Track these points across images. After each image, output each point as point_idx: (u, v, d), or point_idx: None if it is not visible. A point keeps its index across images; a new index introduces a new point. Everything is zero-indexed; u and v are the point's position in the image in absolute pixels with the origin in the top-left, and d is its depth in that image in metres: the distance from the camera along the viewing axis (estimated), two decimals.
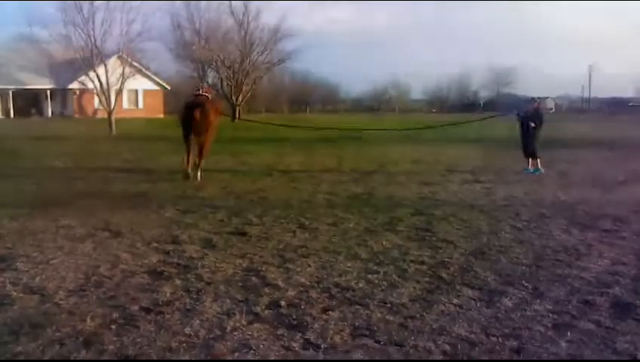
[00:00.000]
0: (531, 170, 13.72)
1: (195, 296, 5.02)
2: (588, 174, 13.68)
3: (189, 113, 12.23)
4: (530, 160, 13.99)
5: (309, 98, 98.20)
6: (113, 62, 31.36)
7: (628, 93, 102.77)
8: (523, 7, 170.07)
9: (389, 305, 4.82)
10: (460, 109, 75.98)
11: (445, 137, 25.52)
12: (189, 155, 12.30)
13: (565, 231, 7.57)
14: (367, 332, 4.26)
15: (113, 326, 4.36)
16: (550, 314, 4.67)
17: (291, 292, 5.12)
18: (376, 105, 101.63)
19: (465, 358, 3.89)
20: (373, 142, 22.78)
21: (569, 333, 4.29)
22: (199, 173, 12.16)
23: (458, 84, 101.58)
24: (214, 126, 12.75)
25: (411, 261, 6.15)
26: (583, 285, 5.40)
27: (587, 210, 9.04)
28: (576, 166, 15.50)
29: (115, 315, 4.58)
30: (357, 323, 4.43)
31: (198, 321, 4.46)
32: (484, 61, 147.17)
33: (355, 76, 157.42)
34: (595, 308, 4.83)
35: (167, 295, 5.05)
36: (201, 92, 13.03)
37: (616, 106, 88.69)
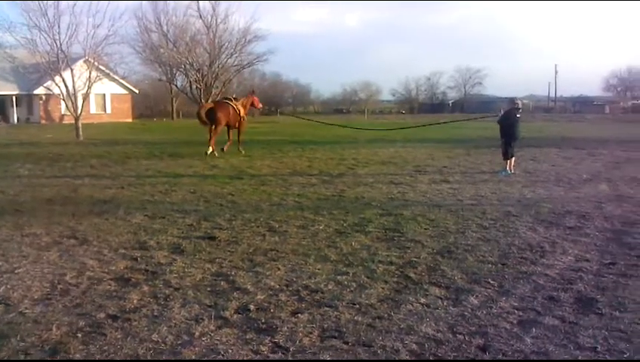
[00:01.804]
0: (510, 172, 13.69)
1: (162, 302, 4.99)
2: (553, 172, 13.95)
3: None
4: (507, 161, 13.96)
5: (279, 100, 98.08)
6: (80, 66, 30.78)
7: (593, 92, 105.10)
8: (490, 9, 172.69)
9: (357, 306, 4.86)
10: (430, 110, 76.68)
11: (415, 138, 25.74)
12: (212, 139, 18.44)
13: (531, 229, 7.73)
14: (336, 334, 4.30)
15: (79, 335, 4.31)
16: (516, 311, 4.77)
17: (260, 296, 5.12)
18: (346, 107, 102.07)
19: (431, 357, 3.94)
20: (344, 143, 22.83)
21: (534, 329, 4.39)
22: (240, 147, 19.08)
23: (427, 86, 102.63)
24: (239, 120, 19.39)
25: (380, 261, 6.21)
26: (547, 282, 5.53)
27: (552, 207, 9.24)
28: (542, 164, 15.81)
29: (81, 323, 4.52)
30: (326, 325, 4.45)
31: (165, 327, 4.43)
32: (452, 62, 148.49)
33: (325, 78, 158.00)
34: (559, 303, 4.95)
35: (135, 301, 5.01)
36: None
37: (582, 105, 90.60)
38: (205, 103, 19.61)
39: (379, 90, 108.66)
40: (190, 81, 55.64)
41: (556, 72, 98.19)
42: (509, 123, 14.01)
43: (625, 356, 3.96)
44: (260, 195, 10.72)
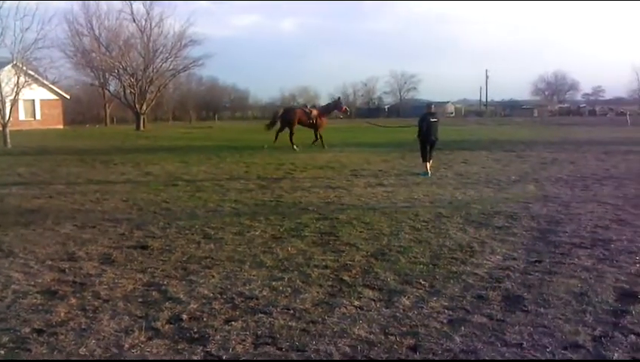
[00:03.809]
0: (428, 174, 14.16)
1: (91, 315, 4.85)
2: (483, 174, 14.41)
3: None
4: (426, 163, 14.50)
5: (217, 105, 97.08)
6: (7, 71, 29.51)
7: (523, 96, 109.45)
8: (425, 16, 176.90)
9: (292, 311, 4.87)
10: (367, 115, 77.70)
11: (352, 143, 26.02)
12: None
13: (461, 230, 7.96)
14: (270, 340, 4.29)
15: (2, 351, 4.14)
16: (446, 311, 4.89)
17: (193, 305, 5.05)
18: None
19: (363, 359, 4.00)
20: (283, 149, 22.83)
21: (463, 328, 4.51)
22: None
23: (363, 91, 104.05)
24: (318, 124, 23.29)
25: (315, 266, 6.25)
26: (476, 281, 5.70)
27: (482, 208, 9.54)
28: (473, 166, 16.30)
29: (4, 339, 4.34)
30: (260, 332, 4.44)
31: (94, 341, 4.31)
32: (387, 67, 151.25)
33: (264, 83, 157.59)
34: (487, 302, 5.11)
35: (62, 315, 4.84)
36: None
37: (512, 109, 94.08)
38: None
39: (317, 95, 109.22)
40: (124, 86, 54.43)
41: (487, 77, 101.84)
42: (428, 126, 14.57)
43: (548, 350, 4.12)
44: (196, 202, 10.58)
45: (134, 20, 53.44)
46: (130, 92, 53.51)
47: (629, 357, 3.99)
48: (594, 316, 4.71)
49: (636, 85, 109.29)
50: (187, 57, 55.95)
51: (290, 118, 22.92)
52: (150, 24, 53.42)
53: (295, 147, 22.01)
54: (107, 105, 67.33)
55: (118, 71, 53.16)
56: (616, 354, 4.00)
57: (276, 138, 22.98)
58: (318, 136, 23.08)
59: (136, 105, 53.16)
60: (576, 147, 22.82)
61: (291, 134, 22.68)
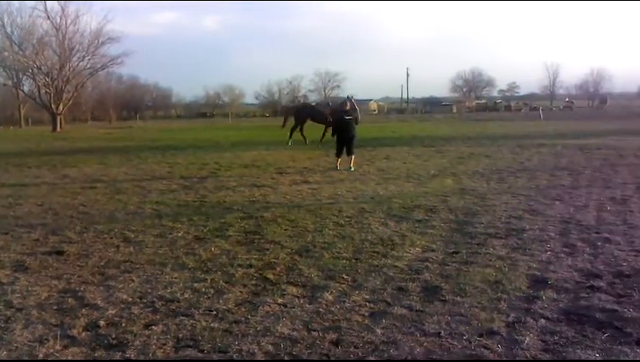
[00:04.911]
0: (341, 168, 14.76)
1: (2, 325, 4.62)
2: (404, 169, 14.76)
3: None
4: (347, 158, 14.93)
5: (138, 104, 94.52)
6: None
7: (442, 93, 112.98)
8: (347, 16, 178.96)
9: (214, 312, 4.81)
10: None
11: (278, 141, 25.98)
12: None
13: (383, 224, 8.13)
14: (191, 343, 4.22)
15: None
16: (367, 304, 4.98)
17: (111, 311, 4.90)
18: (210, 110, 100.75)
19: (286, 357, 4.01)
20: (207, 148, 22.53)
21: (384, 320, 4.61)
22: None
23: (289, 89, 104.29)
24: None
25: (239, 265, 6.20)
26: (397, 273, 5.83)
27: (402, 202, 9.78)
28: (394, 162, 16.67)
29: None
30: (181, 335, 4.36)
31: (5, 352, 4.11)
32: (312, 66, 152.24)
33: (187, 81, 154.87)
34: (407, 293, 5.24)
35: None
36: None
37: (432, 105, 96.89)
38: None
39: (242, 93, 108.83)
40: (39, 86, 52.12)
41: (408, 75, 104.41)
42: (339, 124, 15.03)
43: (464, 337, 4.28)
44: (115, 204, 10.25)
45: (49, 18, 51.25)
46: (46, 92, 51.29)
47: (539, 341, 4.19)
48: (508, 303, 4.92)
49: (547, 82, 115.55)
50: (105, 55, 54.24)
51: (302, 114, 24.39)
52: (66, 21, 51.41)
53: (290, 143, 23.43)
54: (21, 105, 64.19)
55: (32, 70, 50.81)
56: (527, 339, 4.20)
57: (304, 137, 24.07)
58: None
59: (52, 106, 50.97)
60: (492, 141, 23.78)
61: (295, 129, 24.07)
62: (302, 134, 24.06)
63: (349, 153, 14.97)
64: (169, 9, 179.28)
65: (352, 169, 14.60)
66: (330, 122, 23.28)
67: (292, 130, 24.31)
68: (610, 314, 4.62)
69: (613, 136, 24.88)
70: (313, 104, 28.77)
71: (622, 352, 3.97)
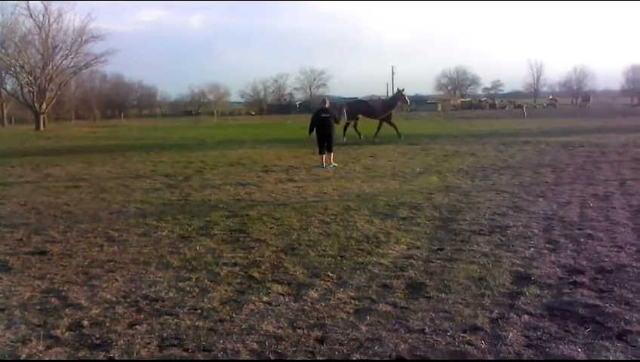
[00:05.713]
0: (325, 166, 14.88)
1: None
2: (389, 167, 14.79)
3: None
4: (327, 155, 15.15)
5: (123, 102, 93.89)
6: None
7: (427, 91, 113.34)
8: (331, 15, 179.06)
9: (199, 311, 4.80)
10: (278, 111, 77.86)
11: (263, 139, 25.94)
12: None
13: (368, 222, 8.14)
14: (176, 342, 4.21)
15: None
16: (352, 301, 4.99)
17: (95, 311, 4.86)
18: (195, 108, 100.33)
19: (271, 355, 4.00)
20: (192, 146, 22.42)
21: (369, 317, 4.62)
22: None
23: (274, 87, 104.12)
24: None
25: (224, 264, 6.19)
26: (381, 270, 5.85)
27: (387, 200, 9.80)
28: (380, 160, 16.70)
29: None
30: (165, 334, 4.34)
31: None
32: (297, 64, 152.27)
33: (172, 79, 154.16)
34: (392, 290, 5.26)
35: None
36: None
37: (417, 103, 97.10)
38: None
39: (228, 91, 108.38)
40: (21, 85, 51.62)
41: (393, 73, 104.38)
42: (317, 122, 15.17)
43: (448, 334, 4.30)
44: (99, 204, 10.17)
45: (31, 16, 50.71)
46: (29, 90, 50.81)
47: (522, 337, 4.22)
48: (491, 299, 4.96)
49: (531, 79, 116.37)
50: (89, 54, 53.82)
51: (355, 110, 24.42)
52: (48, 20, 50.93)
53: (345, 139, 23.45)
54: (4, 104, 63.48)
55: (14, 69, 50.29)
56: (511, 334, 4.23)
57: (358, 132, 24.43)
58: (392, 126, 24.92)
59: (36, 105, 50.48)
60: (477, 139, 23.88)
61: (348, 125, 24.35)
62: (356, 129, 24.51)
63: (329, 150, 15.24)
64: (155, 7, 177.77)
65: (333, 165, 14.87)
66: (383, 117, 24.92)
67: (345, 127, 24.51)
68: (592, 310, 4.67)
69: (596, 133, 25.11)
70: (365, 99, 29.52)
71: (603, 347, 4.02)
